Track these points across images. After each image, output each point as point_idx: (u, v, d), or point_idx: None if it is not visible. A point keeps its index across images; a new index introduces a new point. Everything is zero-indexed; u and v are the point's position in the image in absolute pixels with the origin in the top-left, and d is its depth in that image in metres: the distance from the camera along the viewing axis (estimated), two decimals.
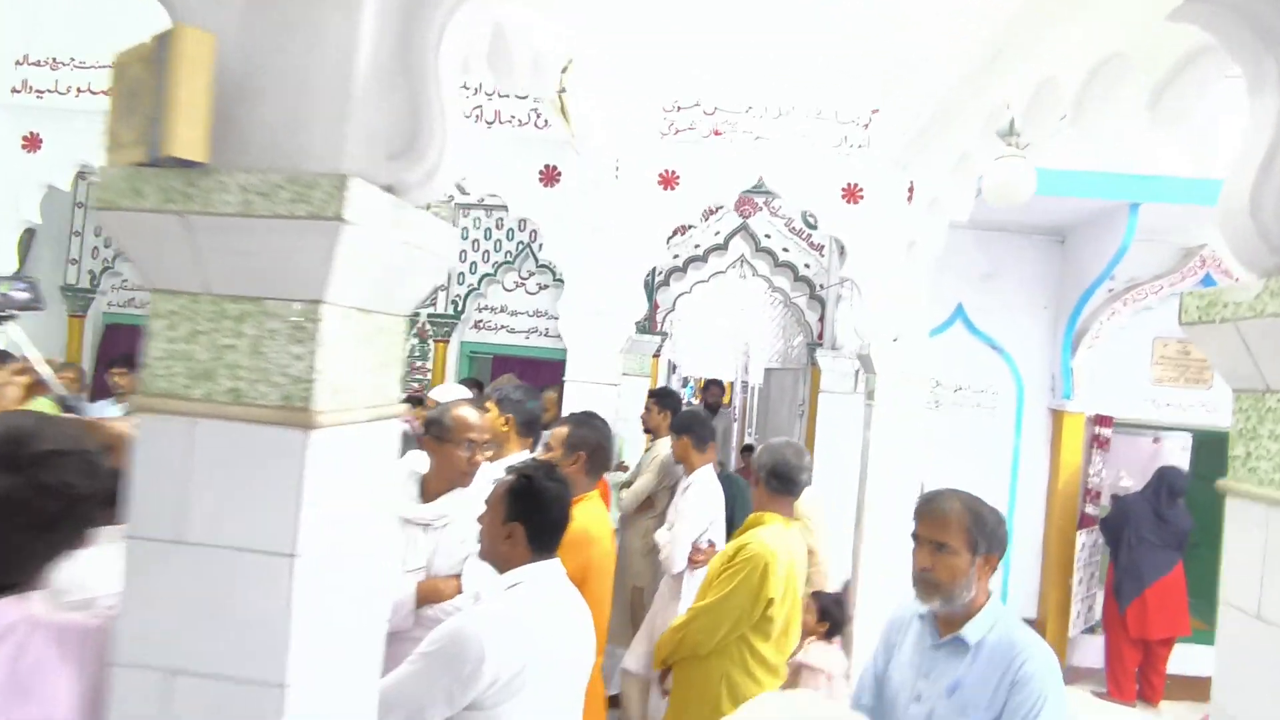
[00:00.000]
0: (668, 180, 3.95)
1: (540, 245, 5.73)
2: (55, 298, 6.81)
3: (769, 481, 2.50)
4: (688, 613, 2.51)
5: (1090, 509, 5.56)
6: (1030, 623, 2.32)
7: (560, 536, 1.85)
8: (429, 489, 2.34)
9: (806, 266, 6.09)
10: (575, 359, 3.97)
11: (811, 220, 5.97)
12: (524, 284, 6.34)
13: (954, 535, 1.73)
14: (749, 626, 2.37)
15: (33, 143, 4.44)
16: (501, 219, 6.20)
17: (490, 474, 2.81)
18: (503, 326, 6.32)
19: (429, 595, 2.17)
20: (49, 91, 4.39)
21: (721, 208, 6.10)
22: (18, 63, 4.40)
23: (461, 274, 6.26)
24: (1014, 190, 3.16)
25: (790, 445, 2.55)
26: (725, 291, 7.74)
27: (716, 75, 3.79)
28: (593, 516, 2.45)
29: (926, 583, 1.75)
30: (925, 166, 3.61)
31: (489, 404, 2.98)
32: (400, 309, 1.33)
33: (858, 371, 5.84)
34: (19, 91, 4.41)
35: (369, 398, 1.24)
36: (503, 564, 1.81)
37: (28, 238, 6.65)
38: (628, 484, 4.44)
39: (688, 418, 3.83)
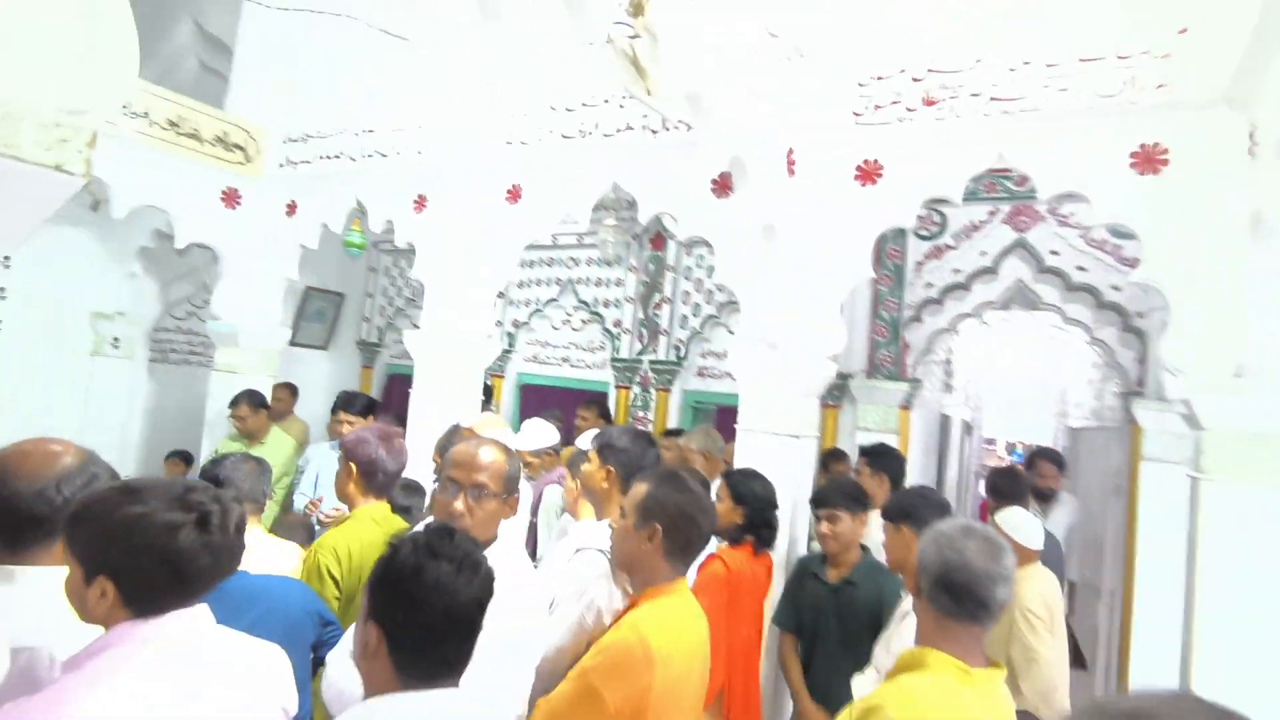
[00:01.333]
0: (868, 173, 3.06)
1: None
2: (351, 351, 7.78)
3: (936, 598, 1.52)
4: None
5: None
6: None
7: (453, 649, 1.17)
8: None
9: (1115, 289, 4.52)
10: (748, 404, 3.20)
11: (1122, 228, 4.44)
12: None
13: None
14: None
15: (291, 209, 4.97)
16: None
17: (583, 536, 2.19)
18: (727, 373, 5.68)
19: None
20: (302, 163, 4.89)
21: (986, 222, 4.84)
22: (285, 141, 4.98)
23: (684, 316, 5.80)
24: None
25: (976, 535, 1.54)
26: (1011, 329, 6.22)
27: (922, 22, 2.86)
28: (658, 623, 1.69)
29: None
30: (1275, 98, 2.27)
31: (591, 453, 2.38)
32: None
33: None
34: (284, 166, 4.98)
35: None
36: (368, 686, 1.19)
37: (338, 300, 7.74)
38: None
39: (914, 499, 2.54)
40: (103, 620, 1.21)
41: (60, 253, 5.77)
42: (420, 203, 4.32)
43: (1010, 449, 14.87)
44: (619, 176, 3.69)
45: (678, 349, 5.80)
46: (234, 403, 4.67)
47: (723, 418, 5.58)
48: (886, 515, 2.50)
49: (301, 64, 4.90)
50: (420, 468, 3.53)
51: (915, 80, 2.93)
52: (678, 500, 1.80)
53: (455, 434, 3.18)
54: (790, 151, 3.05)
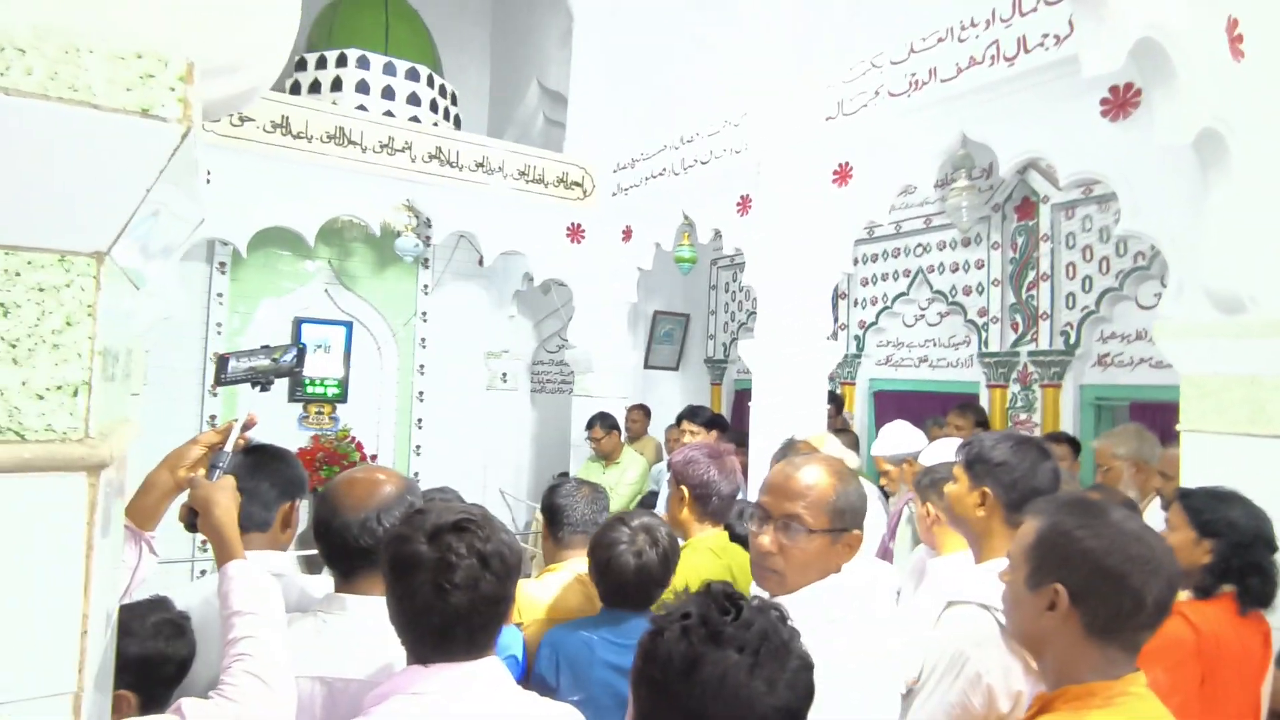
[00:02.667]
0: None
1: None
2: (700, 370, 7.89)
3: None
4: None
5: None
6: None
7: None
8: None
9: None
10: (1198, 396, 2.28)
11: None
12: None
13: None
14: None
15: (626, 235, 5.12)
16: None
17: (952, 582, 1.68)
18: (1143, 359, 4.41)
19: None
20: (632, 187, 5.01)
21: None
22: (615, 169, 5.18)
23: (1070, 295, 4.67)
24: None
25: None
26: None
27: None
28: None
29: None
30: None
31: (957, 468, 1.81)
32: None
33: None
34: (616, 194, 5.16)
35: None
36: None
37: (684, 321, 7.95)
38: None
39: None
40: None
41: (459, 303, 6.79)
42: (744, 204, 4.08)
43: None
44: (967, 127, 3.01)
45: (1065, 335, 4.69)
46: (589, 425, 4.90)
47: (1137, 417, 4.34)
48: None
49: (624, 94, 5.05)
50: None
51: None
52: (1092, 546, 1.16)
53: (790, 449, 2.81)
54: (1235, 23, 2.09)
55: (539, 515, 6.21)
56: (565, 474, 6.45)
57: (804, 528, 1.36)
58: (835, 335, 4.77)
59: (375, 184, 4.48)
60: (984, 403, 5.00)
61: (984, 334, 5.05)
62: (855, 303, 6.01)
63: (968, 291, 5.19)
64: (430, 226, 4.90)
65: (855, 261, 5.79)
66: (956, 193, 4.12)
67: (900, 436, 3.41)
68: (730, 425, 5.75)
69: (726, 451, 2.22)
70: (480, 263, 6.83)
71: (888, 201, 3.43)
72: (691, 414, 4.41)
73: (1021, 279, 4.86)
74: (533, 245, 5.13)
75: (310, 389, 6.24)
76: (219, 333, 5.77)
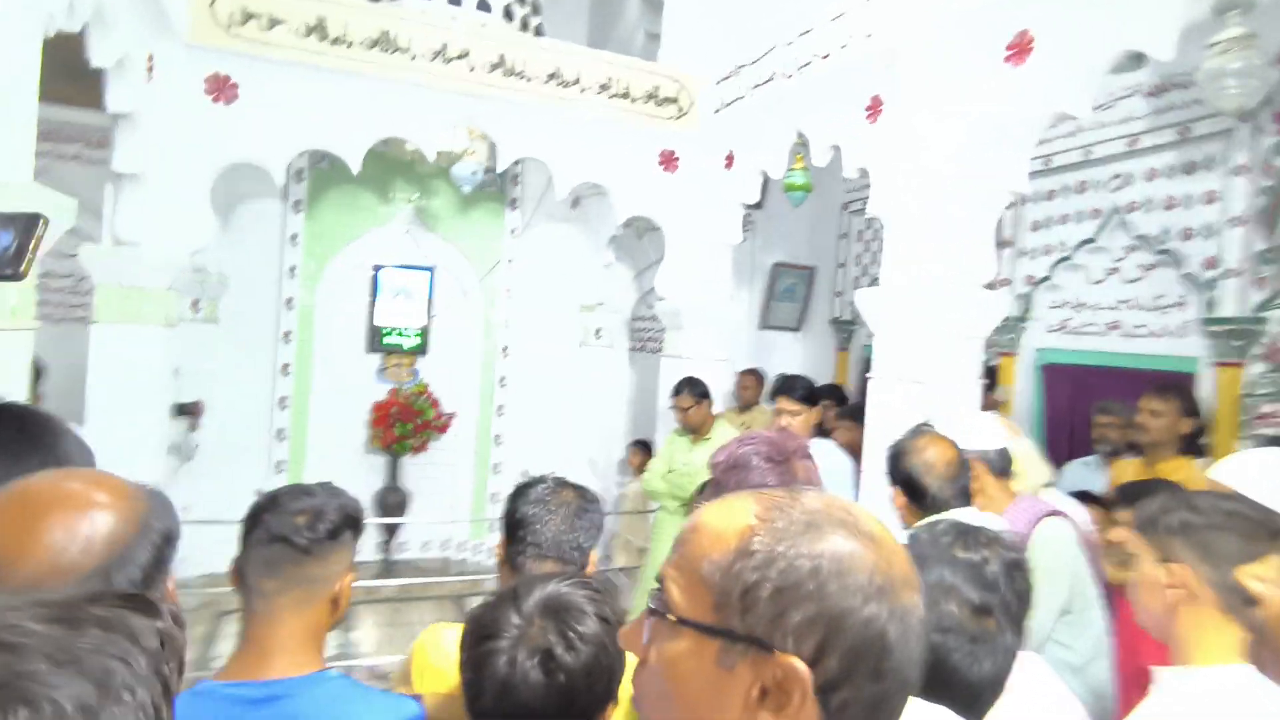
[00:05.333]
0: None
1: None
2: (825, 332, 6.83)
3: None
4: None
5: None
6: None
7: None
8: None
9: None
10: None
11: None
12: None
13: None
14: None
15: (729, 161, 4.18)
16: None
17: None
18: None
19: None
20: (736, 100, 4.05)
21: None
22: (716, 83, 4.23)
23: None
24: None
25: None
26: None
27: None
28: None
29: None
30: None
31: None
32: None
33: None
34: (719, 111, 4.23)
35: None
36: None
37: (808, 275, 6.89)
38: None
39: None
40: None
41: (550, 249, 6.11)
42: (874, 107, 3.05)
43: None
44: None
45: None
46: (675, 391, 4.06)
47: None
48: None
49: None
50: (878, 490, 2.30)
51: None
52: None
53: (916, 437, 1.89)
54: None
55: (626, 492, 5.49)
56: (645, 442, 5.69)
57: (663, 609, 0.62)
58: (993, 288, 3.65)
59: (428, 99, 3.80)
60: (1205, 385, 3.70)
61: (1211, 293, 3.72)
62: (1022, 253, 4.75)
63: (1188, 235, 3.85)
64: (496, 152, 4.17)
65: (1020, 203, 4.54)
66: (1223, 51, 2.59)
67: (986, 431, 2.24)
68: (848, 400, 4.74)
69: (795, 451, 1.35)
70: (574, 203, 6.12)
71: (1093, 84, 2.32)
72: (786, 387, 3.47)
73: (1278, 216, 3.49)
74: (617, 176, 4.31)
75: (388, 339, 5.80)
76: (292, 276, 5.40)
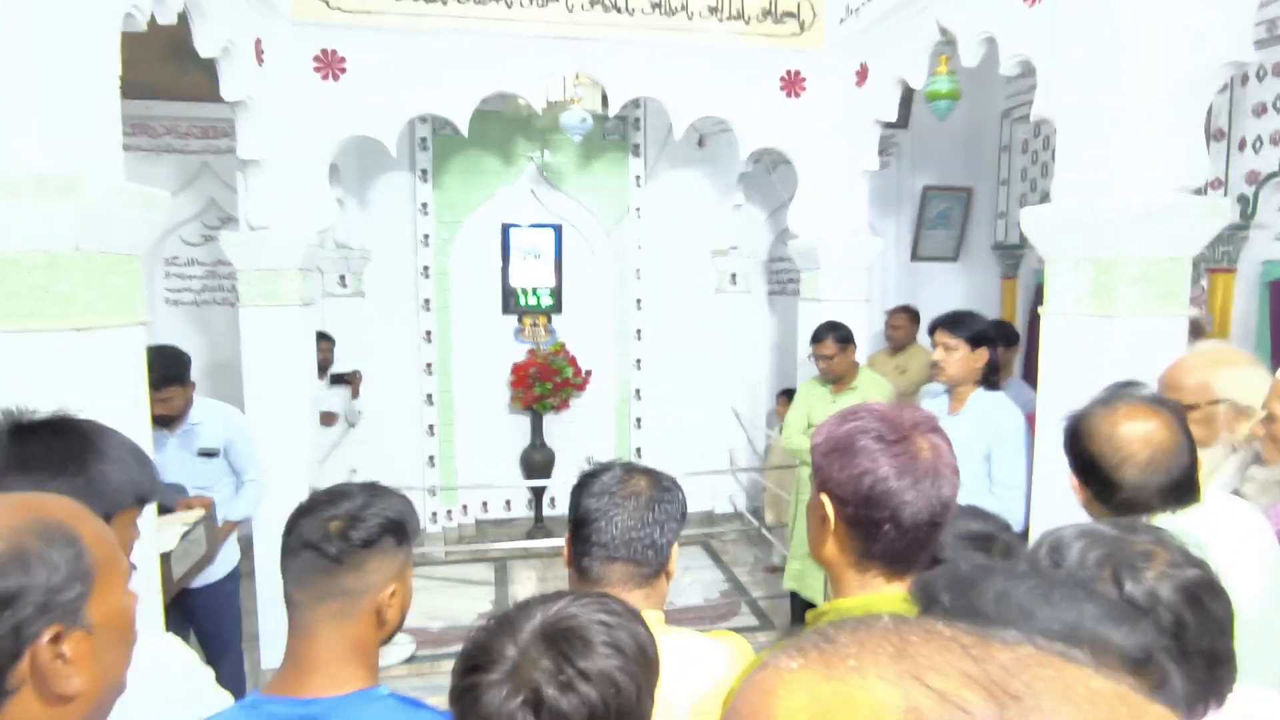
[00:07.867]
0: None
1: None
2: (988, 260, 6.10)
3: None
4: None
5: None
6: None
7: None
8: None
9: None
10: None
11: None
12: None
13: None
14: None
15: (861, 76, 3.69)
16: None
17: None
18: None
19: None
20: (864, 5, 3.55)
21: None
22: None
23: None
24: None
25: None
26: None
27: None
28: None
29: None
30: None
31: None
32: None
33: None
34: (844, 19, 3.73)
35: None
36: None
37: (964, 198, 6.15)
38: None
39: None
40: None
41: (677, 195, 5.83)
42: None
43: None
44: None
45: None
46: (815, 338, 3.71)
47: None
48: None
49: None
50: (1055, 462, 1.92)
51: None
52: None
53: (1110, 408, 1.43)
54: None
55: (773, 444, 5.17)
56: (791, 391, 5.34)
57: None
58: (1203, 192, 2.94)
59: (528, 48, 3.62)
60: None
61: None
62: (1239, 145, 3.90)
63: None
64: (607, 96, 3.93)
65: (1240, 81, 3.69)
66: None
67: (1246, 377, 1.72)
68: (1018, 339, 4.17)
69: (916, 425, 1.04)
70: (700, 143, 5.78)
71: None
72: (951, 322, 2.96)
73: None
74: (738, 106, 3.94)
75: (523, 300, 5.82)
76: (426, 244, 5.51)
